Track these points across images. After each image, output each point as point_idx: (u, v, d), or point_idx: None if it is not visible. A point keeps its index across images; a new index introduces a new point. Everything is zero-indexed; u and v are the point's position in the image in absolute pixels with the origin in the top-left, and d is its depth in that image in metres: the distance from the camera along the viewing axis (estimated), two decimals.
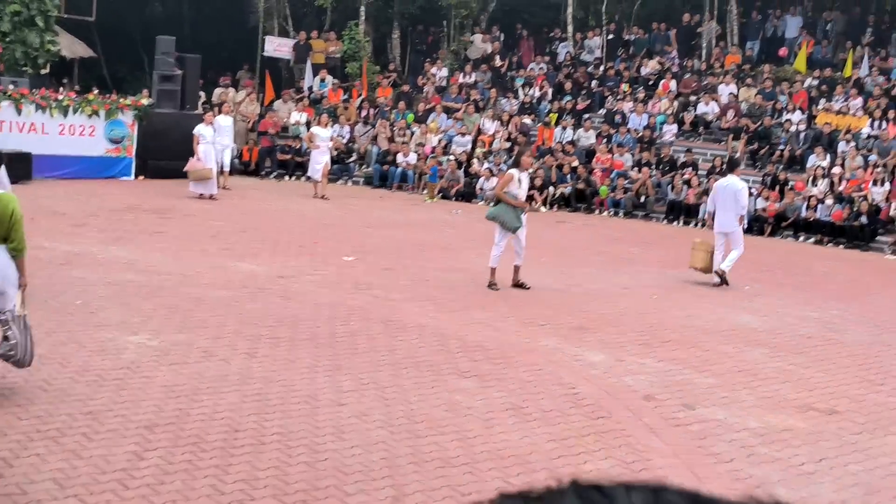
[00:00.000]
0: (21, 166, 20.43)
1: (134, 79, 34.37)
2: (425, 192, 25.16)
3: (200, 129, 20.96)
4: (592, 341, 11.09)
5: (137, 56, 34.53)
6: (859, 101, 26.67)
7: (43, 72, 25.24)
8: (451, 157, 25.74)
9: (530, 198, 24.42)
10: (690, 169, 25.35)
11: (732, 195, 15.70)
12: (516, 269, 13.67)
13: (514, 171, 13.58)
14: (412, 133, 27.38)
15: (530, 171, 14.30)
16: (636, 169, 25.49)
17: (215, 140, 21.53)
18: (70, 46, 31.11)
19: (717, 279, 15.41)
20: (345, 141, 27.21)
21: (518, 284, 13.65)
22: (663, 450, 7.69)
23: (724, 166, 19.19)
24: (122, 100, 23.26)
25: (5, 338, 7.38)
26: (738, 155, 26.19)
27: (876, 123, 25.75)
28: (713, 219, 15.98)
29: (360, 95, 29.66)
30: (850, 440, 8.36)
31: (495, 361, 9.81)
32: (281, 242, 15.93)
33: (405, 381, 8.88)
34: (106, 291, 11.30)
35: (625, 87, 29.70)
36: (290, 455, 6.83)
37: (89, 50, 32.38)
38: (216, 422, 7.37)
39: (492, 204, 14.16)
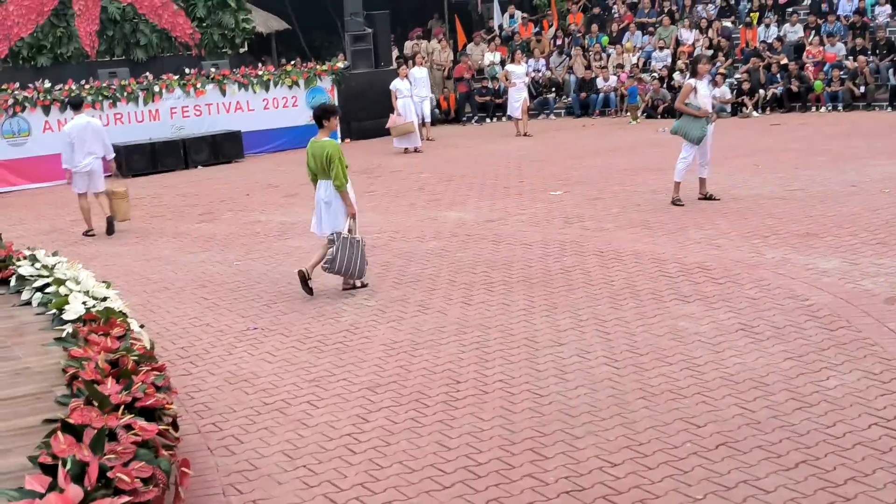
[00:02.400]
0: (232, 145, 21.17)
1: (330, 44, 34.87)
2: (628, 114, 24.46)
3: (396, 84, 21.01)
4: (823, 247, 10.41)
5: (331, 21, 34.98)
6: None
7: (242, 51, 25.87)
8: (653, 74, 24.90)
9: (737, 105, 23.42)
10: None
11: None
12: (702, 181, 13.33)
13: (691, 80, 13.20)
14: (609, 56, 26.61)
15: (708, 78, 13.74)
16: (851, 58, 23.91)
17: (413, 93, 21.53)
18: (265, 22, 31.84)
19: None
20: (541, 74, 26.72)
21: (706, 196, 13.30)
22: None
23: None
24: (318, 66, 23.59)
25: (330, 255, 9.42)
26: None
27: None
28: None
29: (551, 26, 29.05)
30: None
31: (719, 281, 9.33)
32: (487, 186, 15.78)
33: (625, 312, 8.56)
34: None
35: None
36: (514, 402, 6.66)
37: (283, 23, 33.05)
38: (437, 375, 7.29)
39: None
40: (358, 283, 9.93)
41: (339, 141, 23.02)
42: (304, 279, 9.67)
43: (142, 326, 6.87)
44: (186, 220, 14.45)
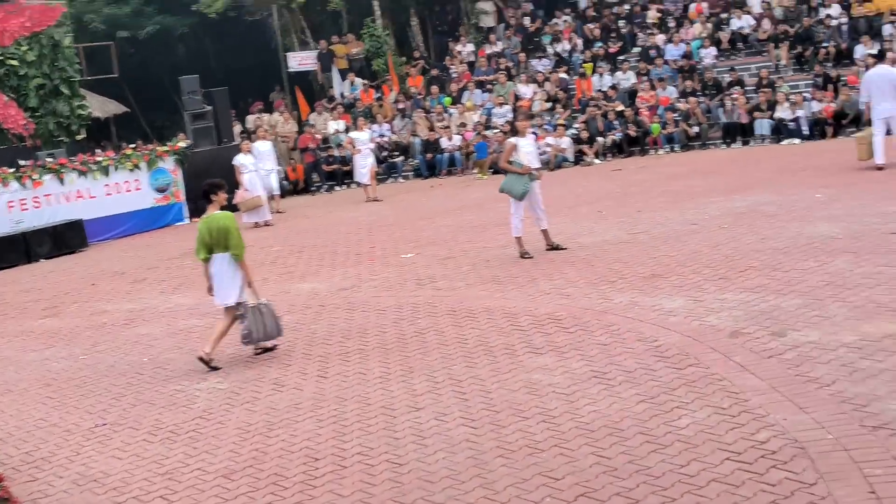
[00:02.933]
0: (75, 235, 20.57)
1: (172, 124, 34.50)
2: (476, 171, 24.78)
3: (240, 159, 20.82)
4: (668, 287, 10.66)
5: (171, 101, 34.64)
6: None
7: (79, 137, 25.31)
8: (495, 130, 25.33)
9: (578, 154, 23.99)
10: (738, 87, 24.63)
11: (889, 82, 17.02)
12: (544, 233, 13.53)
13: (513, 139, 13.44)
14: (451, 116, 26.99)
15: (530, 134, 14.05)
16: (682, 100, 24.82)
17: (258, 167, 21.36)
18: (102, 106, 31.32)
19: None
20: (386, 139, 26.89)
21: (553, 247, 13.45)
22: (760, 386, 7.27)
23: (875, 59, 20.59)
24: (159, 147, 23.22)
25: (245, 329, 9.80)
26: (783, 61, 25.43)
27: None
28: (869, 109, 17.35)
29: (391, 90, 29.32)
30: None
31: (570, 330, 9.44)
32: (339, 254, 15.71)
33: (480, 370, 8.56)
34: (171, 343, 11.16)
35: (652, 17, 28.94)
36: (373, 475, 6.55)
37: (122, 106, 32.57)
38: (294, 455, 7.13)
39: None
40: (269, 345, 10.17)
41: (189, 219, 22.67)
42: (208, 364, 9.72)
43: None
44: (29, 317, 13.92)
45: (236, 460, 7.18)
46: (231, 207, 20.90)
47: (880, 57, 19.25)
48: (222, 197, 10.06)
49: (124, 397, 9.23)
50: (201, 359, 9.74)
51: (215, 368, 9.72)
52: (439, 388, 8.23)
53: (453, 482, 6.25)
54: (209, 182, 10.22)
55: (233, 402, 8.61)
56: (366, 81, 30.06)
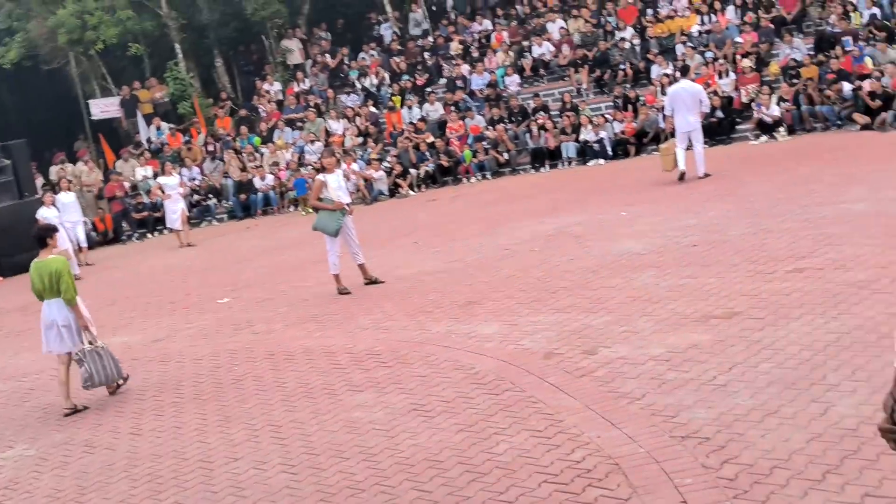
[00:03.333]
0: None
1: None
2: (298, 208, 24.62)
3: (43, 213, 20.02)
4: (483, 313, 10.77)
5: None
6: (684, 1, 26.88)
7: None
8: (309, 167, 25.20)
9: (393, 187, 24.10)
10: (542, 113, 25.26)
11: (692, 97, 17.85)
12: (361, 267, 13.44)
13: (320, 176, 13.40)
14: (262, 155, 26.73)
15: (339, 170, 14.05)
16: (491, 128, 25.27)
17: (62, 219, 20.59)
18: None
19: (678, 176, 17.72)
20: (197, 182, 26.41)
21: (371, 281, 13.42)
22: (573, 406, 7.39)
23: (678, 74, 21.24)
24: None
25: (84, 373, 9.72)
26: (584, 85, 26.24)
27: (705, 18, 25.98)
28: (673, 122, 18.25)
29: (199, 133, 28.84)
30: (755, 338, 8.20)
31: (389, 365, 9.40)
32: (152, 304, 15.27)
33: (300, 413, 8.43)
34: None
35: (455, 48, 29.42)
36: None
37: None
38: None
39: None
40: (121, 382, 10.25)
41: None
42: (77, 411, 9.80)
43: None
44: None
45: None
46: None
47: (684, 72, 20.04)
48: (55, 240, 10.07)
49: None
50: (69, 412, 9.73)
51: (84, 408, 9.84)
52: (258, 435, 8.05)
53: None
54: (42, 226, 10.52)
55: (41, 468, 8.21)
56: (172, 125, 29.49)
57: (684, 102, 17.75)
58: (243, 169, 26.27)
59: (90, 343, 9.90)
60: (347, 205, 13.29)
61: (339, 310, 12.29)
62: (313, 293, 13.68)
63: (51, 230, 10.12)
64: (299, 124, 27.60)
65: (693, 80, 19.39)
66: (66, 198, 21.58)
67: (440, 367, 9.03)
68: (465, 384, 8.39)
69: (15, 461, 8.54)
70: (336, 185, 13.24)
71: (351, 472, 6.86)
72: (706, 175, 17.55)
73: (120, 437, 8.67)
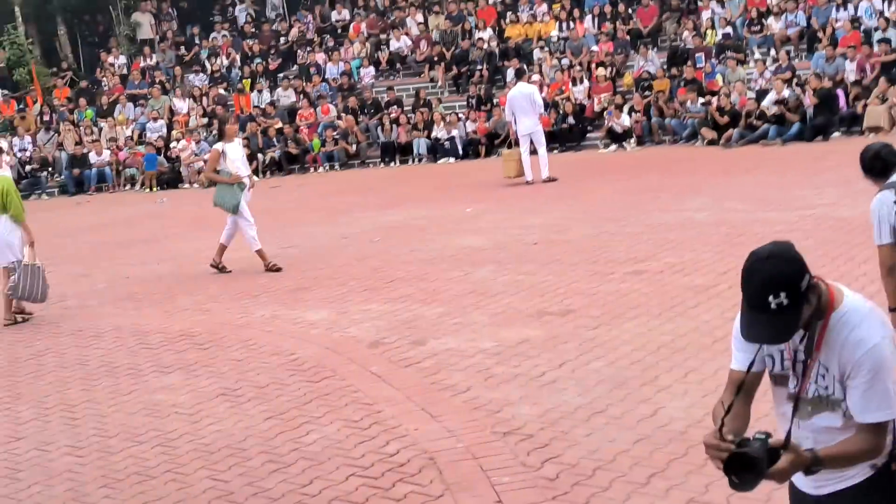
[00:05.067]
0: None
1: None
2: (138, 187, 23.61)
3: None
4: (312, 300, 10.21)
5: None
6: (544, 6, 26.80)
7: None
8: (149, 145, 24.16)
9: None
10: (396, 107, 24.80)
11: (528, 99, 17.43)
12: (221, 247, 12.12)
13: (218, 145, 12.20)
14: (100, 129, 25.48)
15: (239, 139, 12.74)
16: (341, 118, 24.67)
17: None
18: None
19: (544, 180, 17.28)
20: (28, 153, 24.99)
21: (217, 266, 12.06)
22: (394, 396, 6.91)
23: (514, 78, 21.29)
24: None
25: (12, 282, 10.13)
26: (439, 82, 25.94)
27: (564, 25, 25.96)
28: (515, 126, 17.65)
29: (35, 102, 27.34)
30: (589, 336, 7.88)
31: (204, 347, 8.76)
32: None
33: (98, 393, 7.72)
34: None
35: (313, 37, 28.76)
36: None
37: None
38: None
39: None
40: (27, 312, 10.51)
41: None
42: (14, 322, 10.35)
43: None
44: None
45: None
46: None
47: (519, 75, 19.94)
48: (2, 160, 11.11)
49: None
50: (8, 324, 10.27)
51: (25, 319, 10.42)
52: (48, 414, 7.31)
53: None
54: None
55: None
56: (6, 92, 27.87)
57: (521, 106, 17.53)
58: (79, 142, 24.97)
59: (28, 260, 10.28)
60: (247, 177, 12.19)
61: (161, 290, 11.55)
62: (136, 271, 12.86)
63: None
64: (142, 101, 26.42)
65: (530, 83, 19.12)
66: None
67: (258, 351, 8.45)
68: (281, 370, 7.82)
69: None
70: (236, 156, 12.05)
71: (143, 458, 6.22)
72: (550, 179, 17.33)
73: None
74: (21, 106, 27.41)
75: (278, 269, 11.77)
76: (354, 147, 23.95)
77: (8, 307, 10.41)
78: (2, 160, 10.91)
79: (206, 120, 25.39)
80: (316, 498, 5.36)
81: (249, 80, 26.93)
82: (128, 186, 24.00)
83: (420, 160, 23.49)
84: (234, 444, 6.28)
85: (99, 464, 6.19)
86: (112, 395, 7.60)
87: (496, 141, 22.83)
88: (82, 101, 26.87)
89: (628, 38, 25.01)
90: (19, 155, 24.64)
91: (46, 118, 26.48)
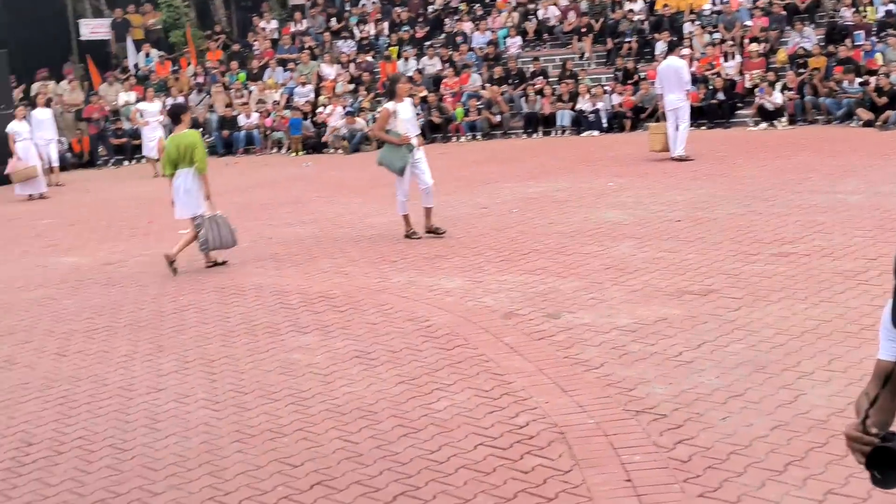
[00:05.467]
0: None
1: None
2: (284, 150, 24.04)
3: (13, 127, 19.36)
4: (449, 268, 10.20)
5: None
6: None
7: None
8: (296, 110, 24.55)
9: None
10: (541, 78, 24.59)
11: (676, 73, 17.00)
12: (427, 211, 11.87)
13: (389, 104, 11.87)
14: (250, 93, 26.00)
15: (409, 99, 12.24)
16: (486, 88, 24.59)
17: (34, 135, 19.94)
18: None
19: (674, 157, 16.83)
20: None
21: (432, 230, 11.88)
22: (525, 368, 6.84)
23: (665, 51, 21.11)
24: None
25: (201, 237, 10.91)
26: (587, 54, 25.61)
27: None
28: (663, 100, 17.31)
29: (189, 64, 28.08)
30: (730, 318, 7.64)
31: (340, 309, 8.84)
32: (112, 229, 14.68)
33: (237, 349, 7.87)
34: None
35: (461, 6, 28.74)
36: (91, 461, 5.78)
37: None
38: (6, 439, 6.27)
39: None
40: (220, 259, 11.19)
41: None
42: (171, 264, 10.83)
43: None
44: None
45: None
46: (2, 179, 19.51)
47: (671, 48, 19.49)
48: (188, 117, 11.65)
49: None
50: (167, 256, 10.84)
51: (175, 270, 10.80)
52: (187, 368, 7.49)
53: (179, 469, 5.56)
54: (176, 104, 13.58)
55: None
56: (162, 53, 28.72)
57: (669, 80, 17.12)
58: (229, 105, 25.55)
59: (209, 212, 11.00)
60: (416, 137, 11.99)
61: (301, 251, 11.72)
62: (277, 232, 13.11)
63: (183, 107, 12.35)
64: (291, 65, 26.84)
65: (681, 57, 18.60)
66: (42, 114, 20.90)
67: (393, 316, 8.48)
68: (415, 336, 7.83)
69: None
70: (406, 117, 11.81)
71: (276, 415, 6.31)
72: (684, 158, 16.85)
73: (43, 357, 8.11)
74: (175, 67, 28.18)
75: (417, 237, 11.80)
76: (498, 117, 23.88)
77: (183, 246, 11.16)
78: (187, 117, 11.51)
79: (352, 86, 25.65)
80: (444, 465, 5.34)
81: (396, 47, 27.07)
82: (274, 150, 24.44)
83: (563, 132, 23.27)
84: (366, 407, 6.31)
85: (233, 419, 6.31)
86: (250, 353, 7.74)
87: (642, 115, 22.46)
88: (234, 64, 27.47)
89: (784, 13, 24.20)
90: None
91: (199, 80, 27.15)
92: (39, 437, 6.25)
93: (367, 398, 6.48)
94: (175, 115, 11.56)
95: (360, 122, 23.47)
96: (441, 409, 6.15)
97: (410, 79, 21.89)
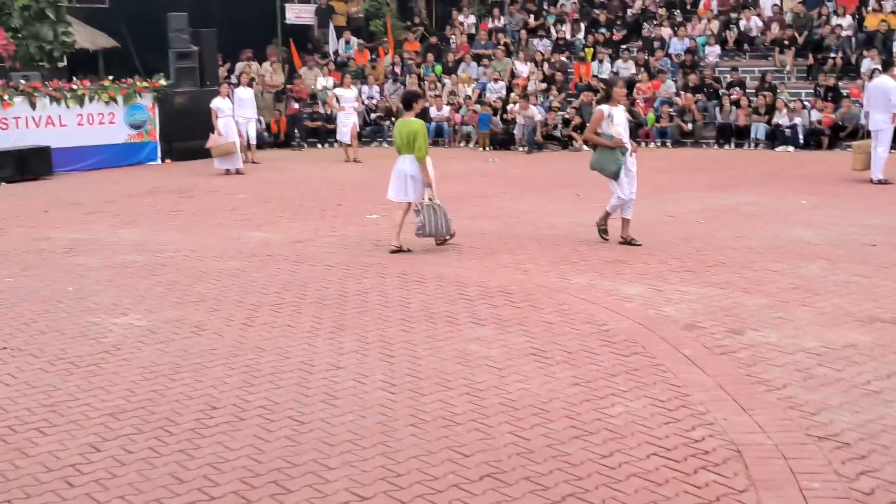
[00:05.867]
0: (40, 161, 19.89)
1: (165, 64, 33.64)
2: (472, 144, 24.24)
3: (217, 103, 20.13)
4: (630, 273, 10.10)
5: (165, 41, 33.77)
6: None
7: (60, 65, 24.55)
8: (486, 105, 24.69)
9: (567, 138, 23.34)
10: (737, 89, 24.01)
11: (883, 94, 16.39)
12: (624, 222, 11.70)
13: (603, 107, 11.56)
14: (443, 86, 26.30)
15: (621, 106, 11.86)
16: (680, 95, 24.18)
17: (236, 113, 20.70)
18: (91, 38, 30.46)
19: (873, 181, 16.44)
20: (374, 101, 26.21)
21: (627, 241, 11.60)
22: (705, 382, 6.70)
23: (873, 69, 20.77)
24: (139, 83, 22.46)
25: (419, 223, 11.35)
26: (788, 67, 24.88)
27: None
28: (868, 119, 17.05)
29: (387, 53, 28.61)
30: None
31: (518, 305, 8.87)
32: (303, 208, 15.10)
33: (415, 335, 7.99)
34: (104, 275, 10.53)
35: (662, 11, 28.34)
36: (270, 430, 5.98)
37: (111, 40, 31.70)
38: (192, 401, 6.54)
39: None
40: (448, 238, 11.72)
41: (162, 160, 22.03)
42: (401, 250, 11.41)
43: None
44: None
45: (130, 400, 6.58)
46: (205, 153, 20.29)
47: (885, 67, 18.66)
48: (420, 105, 12.11)
49: (36, 323, 8.61)
50: (394, 251, 11.34)
51: (408, 250, 11.43)
52: (367, 348, 7.65)
53: (353, 447, 5.68)
54: (410, 91, 13.99)
55: (146, 340, 8.01)
56: (362, 42, 29.34)
57: (877, 99, 16.43)
58: (422, 96, 25.93)
59: (429, 199, 11.41)
60: (631, 142, 11.73)
61: (482, 244, 11.82)
62: (461, 224, 13.18)
63: (417, 95, 12.47)
64: (486, 61, 27.00)
65: (893, 77, 17.78)
66: (244, 93, 21.64)
67: (571, 317, 8.45)
68: (592, 339, 7.79)
69: (123, 329, 8.38)
70: (620, 121, 11.50)
71: (451, 403, 6.38)
72: (882, 181, 16.17)
73: (231, 326, 8.41)
74: (373, 56, 28.75)
75: (605, 239, 11.73)
76: (689, 125, 23.46)
77: (396, 234, 11.53)
78: (418, 106, 11.96)
79: (544, 85, 25.64)
80: (615, 471, 5.29)
81: (592, 48, 26.91)
82: (462, 143, 24.65)
83: (757, 145, 22.69)
84: (539, 405, 6.31)
85: (408, 403, 6.41)
86: (428, 339, 7.85)
87: (841, 133, 21.67)
88: (430, 56, 27.82)
89: None
90: (367, 102, 25.87)
91: (396, 70, 27.61)
92: (223, 403, 6.50)
93: (541, 396, 6.47)
94: (407, 102, 11.83)
95: (533, 109, 23.40)
96: (615, 415, 6.10)
97: (626, 82, 21.68)
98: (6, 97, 19.99)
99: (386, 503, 4.97)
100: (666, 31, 27.11)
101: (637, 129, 23.70)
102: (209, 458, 5.56)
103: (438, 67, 27.22)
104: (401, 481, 5.21)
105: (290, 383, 6.85)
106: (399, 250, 11.33)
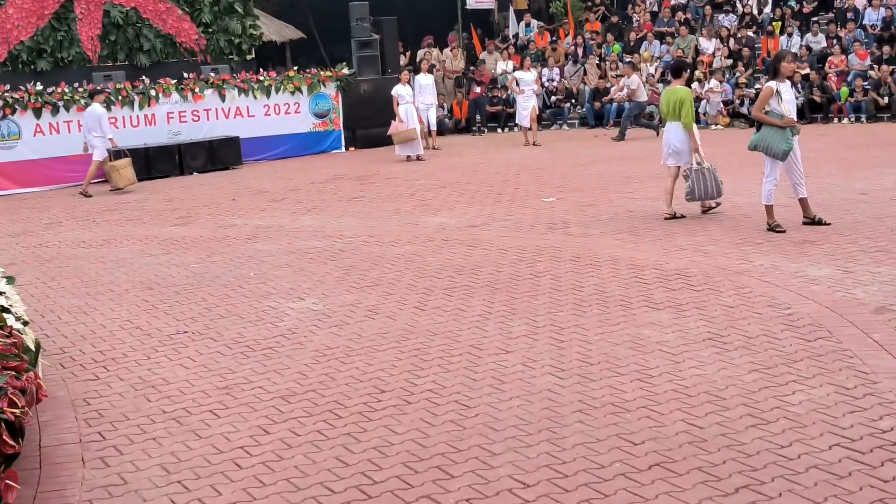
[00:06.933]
0: (230, 151, 20.58)
1: (349, 54, 34.27)
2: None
3: (398, 90, 20.33)
4: (817, 254, 9.62)
5: (348, 31, 34.40)
6: None
7: (249, 57, 25.31)
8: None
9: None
10: None
11: None
12: (803, 202, 11.07)
13: (771, 83, 10.75)
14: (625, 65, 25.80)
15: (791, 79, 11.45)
16: (875, 68, 22.97)
17: (418, 100, 20.88)
18: (279, 31, 31.40)
19: None
20: (554, 84, 25.96)
21: (813, 220, 11.02)
22: (895, 369, 6.29)
23: None
24: (322, 72, 22.94)
25: (688, 188, 11.65)
26: None
27: None
28: None
29: (567, 35, 28.30)
30: None
31: (697, 288, 8.56)
32: (480, 192, 15.07)
33: (587, 319, 7.81)
34: (284, 260, 10.77)
35: None
36: (436, 414, 5.93)
37: (299, 32, 32.55)
38: (362, 384, 6.57)
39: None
40: (713, 204, 12.09)
41: (346, 148, 22.44)
42: (673, 217, 11.81)
43: (25, 324, 6.21)
44: (161, 224, 13.83)
45: (301, 382, 6.67)
46: (388, 140, 20.58)
47: None
48: (685, 76, 12.41)
49: (216, 308, 8.86)
50: (668, 217, 11.77)
51: (682, 216, 11.85)
52: (537, 333, 7.53)
53: (519, 433, 5.57)
54: (679, 60, 14.38)
55: (321, 324, 8.12)
56: (542, 24, 29.11)
57: None
58: (602, 76, 25.53)
59: (698, 163, 11.64)
60: (798, 123, 11.00)
61: (661, 227, 11.50)
62: (640, 206, 12.92)
63: (686, 65, 13.15)
64: (668, 39, 26.35)
65: None
66: (425, 80, 21.79)
67: (752, 300, 8.10)
68: (774, 323, 7.43)
69: (300, 312, 8.52)
70: (789, 98, 10.77)
71: (621, 390, 6.19)
72: None
73: (404, 309, 8.44)
74: (553, 38, 28.50)
75: (781, 230, 10.83)
76: (886, 99, 22.26)
77: (668, 201, 11.94)
78: (685, 75, 12.43)
79: (730, 61, 24.85)
80: (793, 462, 5.00)
81: (780, 21, 25.89)
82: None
83: None
84: (714, 392, 6.05)
85: (577, 388, 6.25)
86: (599, 324, 7.66)
87: None
88: (610, 36, 27.35)
89: None
90: (546, 85, 25.66)
91: (577, 51, 27.29)
92: (391, 386, 6.50)
93: (717, 383, 6.21)
94: (677, 70, 12.28)
95: (635, 78, 22.70)
96: (796, 403, 5.78)
97: (796, 56, 20.75)
98: (197, 90, 20.77)
99: (549, 490, 4.84)
100: (860, 2, 25.79)
101: (829, 104, 22.70)
102: (374, 442, 5.56)
103: (617, 47, 26.71)
104: (566, 468, 5.07)
105: (458, 367, 6.80)
106: (673, 217, 11.74)
